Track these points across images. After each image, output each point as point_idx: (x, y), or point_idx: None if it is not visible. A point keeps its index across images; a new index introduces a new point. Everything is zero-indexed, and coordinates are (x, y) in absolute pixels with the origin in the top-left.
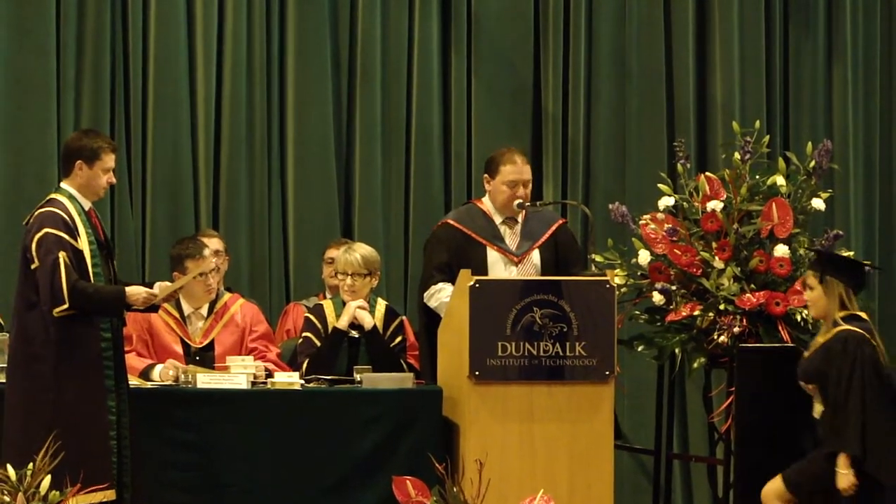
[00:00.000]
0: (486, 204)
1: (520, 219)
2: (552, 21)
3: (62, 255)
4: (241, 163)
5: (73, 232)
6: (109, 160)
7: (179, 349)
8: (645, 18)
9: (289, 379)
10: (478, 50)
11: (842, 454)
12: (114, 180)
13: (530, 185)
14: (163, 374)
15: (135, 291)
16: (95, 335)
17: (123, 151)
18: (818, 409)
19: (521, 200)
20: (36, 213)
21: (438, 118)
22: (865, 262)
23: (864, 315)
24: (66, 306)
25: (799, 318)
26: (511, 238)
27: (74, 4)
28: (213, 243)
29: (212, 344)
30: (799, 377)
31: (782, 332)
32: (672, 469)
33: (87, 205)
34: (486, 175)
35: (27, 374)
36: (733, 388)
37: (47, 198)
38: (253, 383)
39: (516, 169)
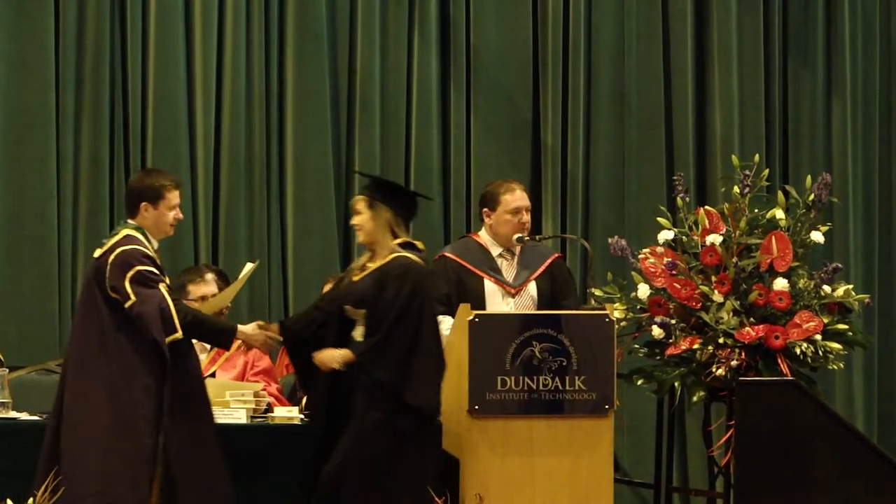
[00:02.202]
0: (482, 237)
1: (516, 251)
2: (551, 56)
3: (162, 286)
4: (240, 197)
5: (160, 268)
6: (174, 197)
7: None
8: (644, 53)
9: (288, 413)
10: (477, 85)
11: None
12: (181, 216)
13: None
14: None
15: (253, 336)
16: (197, 368)
17: (122, 185)
18: (359, 332)
19: (520, 235)
20: (117, 249)
21: (437, 153)
22: (421, 194)
23: (419, 244)
24: (179, 334)
25: (798, 351)
26: (508, 270)
27: (73, 40)
28: (208, 279)
29: (212, 376)
30: (349, 301)
31: (782, 366)
32: (672, 503)
33: (155, 244)
34: (484, 209)
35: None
36: (733, 422)
37: (123, 233)
38: (252, 418)
39: (517, 197)
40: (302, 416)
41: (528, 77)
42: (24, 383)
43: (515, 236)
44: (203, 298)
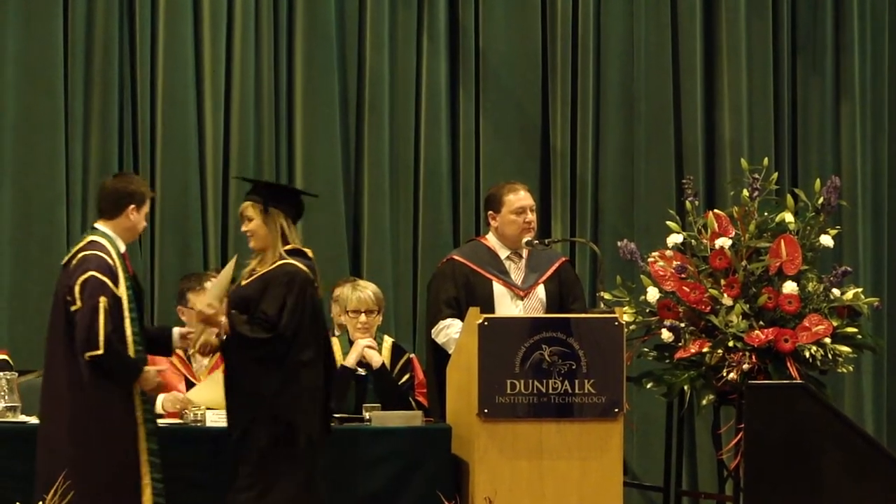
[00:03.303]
0: (490, 240)
1: (524, 254)
2: (560, 58)
3: (103, 300)
4: None
5: (115, 278)
6: (149, 204)
7: (184, 388)
8: (653, 56)
9: None
10: (486, 87)
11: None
12: (146, 223)
13: (536, 212)
14: (165, 404)
15: (148, 377)
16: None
17: None
18: None
19: (529, 238)
20: (79, 255)
21: (446, 155)
22: (303, 192)
23: (308, 251)
24: (100, 352)
25: (808, 354)
26: (516, 273)
27: (82, 42)
28: (208, 287)
29: None
30: (233, 306)
31: (791, 369)
32: None
33: (122, 247)
34: (489, 212)
35: (103, 428)
36: (742, 425)
37: (88, 239)
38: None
39: (520, 197)
40: None
41: (537, 80)
42: (33, 387)
43: (524, 240)
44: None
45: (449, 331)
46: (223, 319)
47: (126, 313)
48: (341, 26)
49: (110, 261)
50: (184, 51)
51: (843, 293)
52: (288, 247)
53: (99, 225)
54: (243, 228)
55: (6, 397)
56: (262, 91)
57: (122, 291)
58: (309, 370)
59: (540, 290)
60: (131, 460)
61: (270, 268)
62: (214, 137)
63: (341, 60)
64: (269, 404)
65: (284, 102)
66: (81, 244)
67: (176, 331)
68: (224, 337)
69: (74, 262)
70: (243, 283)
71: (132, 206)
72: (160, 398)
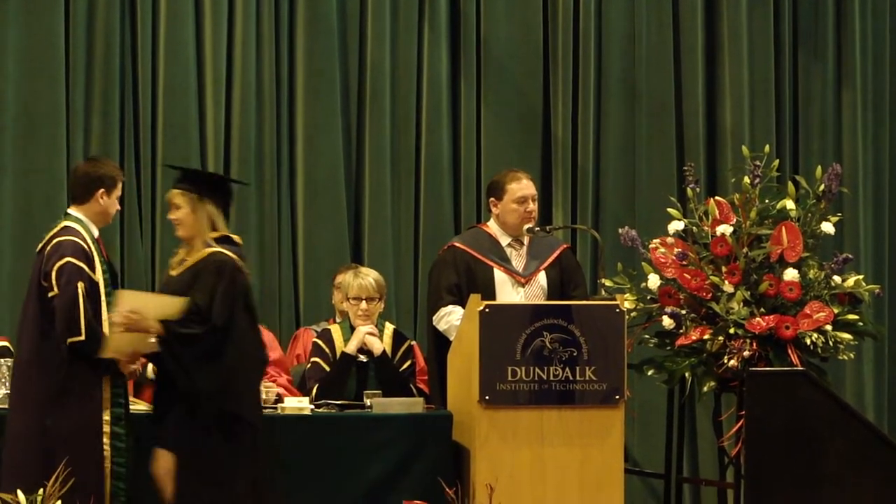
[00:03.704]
0: (491, 227)
1: (525, 241)
2: (561, 47)
3: (80, 286)
4: (250, 189)
5: (91, 262)
6: (120, 188)
7: None
8: (654, 44)
9: (299, 404)
10: (487, 76)
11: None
12: (119, 207)
13: (537, 201)
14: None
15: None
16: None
17: (133, 178)
18: None
19: (530, 225)
20: (54, 241)
21: (448, 144)
22: (238, 181)
23: (236, 238)
24: (82, 338)
25: (809, 341)
26: (517, 260)
27: (83, 33)
28: None
29: None
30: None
31: (792, 356)
32: (682, 493)
33: (96, 232)
34: (491, 199)
35: (65, 410)
36: (743, 412)
37: (61, 225)
38: (263, 408)
39: (522, 185)
40: (312, 407)
41: (539, 68)
42: None
43: (525, 227)
44: None
45: (450, 318)
46: (151, 323)
47: (102, 297)
48: (342, 16)
49: (85, 246)
50: (185, 43)
51: (844, 280)
52: (215, 234)
53: (72, 210)
54: (170, 216)
55: (6, 384)
56: (264, 81)
57: (99, 276)
58: (246, 359)
59: (541, 277)
60: (92, 444)
61: (200, 257)
62: (216, 128)
63: (342, 50)
64: (210, 400)
65: (286, 92)
66: (55, 230)
67: None
68: (155, 340)
69: (49, 247)
70: (174, 273)
71: (102, 190)
72: (150, 367)
